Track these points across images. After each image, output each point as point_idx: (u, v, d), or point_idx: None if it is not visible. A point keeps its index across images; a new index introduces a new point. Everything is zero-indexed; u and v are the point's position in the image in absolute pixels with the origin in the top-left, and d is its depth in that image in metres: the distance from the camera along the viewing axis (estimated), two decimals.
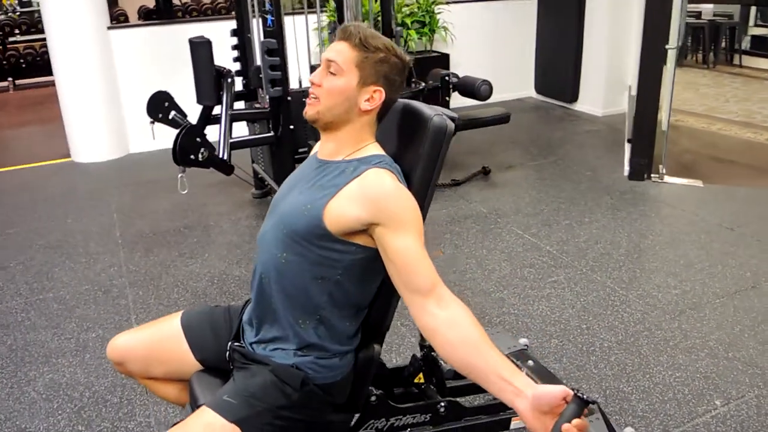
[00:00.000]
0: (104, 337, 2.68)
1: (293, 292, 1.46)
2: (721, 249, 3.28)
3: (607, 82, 5.90)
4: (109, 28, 5.01)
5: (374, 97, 1.46)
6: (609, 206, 3.88)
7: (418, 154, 1.52)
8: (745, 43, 8.79)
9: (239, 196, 4.26)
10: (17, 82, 8.32)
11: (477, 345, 1.30)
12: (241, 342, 1.60)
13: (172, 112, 3.85)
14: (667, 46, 4.04)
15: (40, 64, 8.09)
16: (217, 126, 3.47)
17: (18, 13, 9.98)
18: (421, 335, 1.92)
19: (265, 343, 1.53)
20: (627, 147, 4.78)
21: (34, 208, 4.18)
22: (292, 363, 1.48)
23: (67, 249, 3.55)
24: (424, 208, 1.52)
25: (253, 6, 3.77)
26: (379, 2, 4.01)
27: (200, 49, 3.45)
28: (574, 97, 6.20)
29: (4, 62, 8.20)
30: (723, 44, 8.71)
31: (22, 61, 8.24)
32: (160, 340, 1.69)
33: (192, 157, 3.22)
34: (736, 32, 8.66)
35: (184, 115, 3.87)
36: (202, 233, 3.72)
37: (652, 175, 4.27)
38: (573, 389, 1.18)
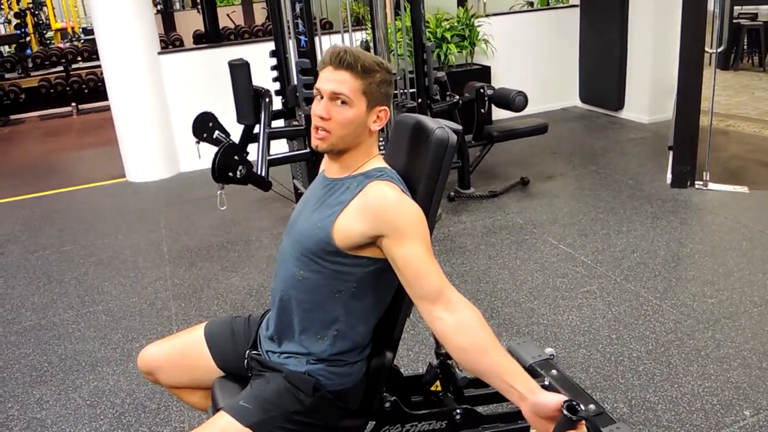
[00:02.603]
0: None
1: (312, 307, 1.53)
2: (762, 257, 3.18)
3: (653, 88, 5.78)
4: (159, 53, 5.27)
5: (380, 116, 1.51)
6: (649, 215, 3.81)
7: (424, 166, 1.58)
8: None
9: (281, 212, 4.39)
10: (80, 106, 8.79)
11: (484, 349, 1.35)
12: (259, 350, 1.68)
13: (216, 132, 4.01)
14: (707, 50, 3.96)
15: (101, 89, 8.47)
16: (257, 144, 3.61)
17: (82, 41, 10.55)
18: (436, 343, 1.96)
19: (282, 353, 1.60)
20: (670, 154, 4.69)
21: (89, 226, 4.42)
22: (304, 370, 1.55)
23: (117, 264, 3.74)
24: (429, 219, 1.57)
25: (289, 28, 3.90)
26: (410, 18, 4.08)
27: (239, 70, 3.61)
28: (619, 104, 6.11)
29: (68, 88, 8.67)
30: None
31: (84, 86, 8.70)
32: (186, 350, 1.79)
33: (230, 174, 3.36)
34: None
35: (228, 135, 4.03)
36: (244, 248, 3.86)
37: (696, 182, 4.17)
38: (566, 401, 1.21)
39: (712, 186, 4.14)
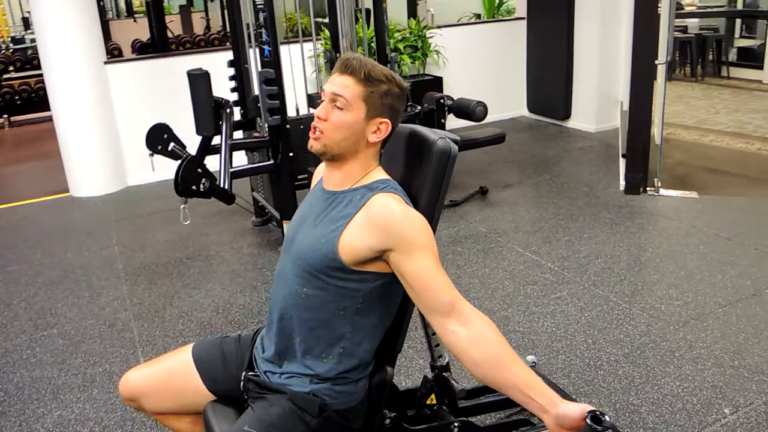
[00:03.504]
0: (111, 371, 2.68)
1: (316, 326, 1.48)
2: (719, 259, 3.31)
3: (599, 98, 5.97)
4: (106, 62, 5.07)
5: (381, 128, 1.48)
6: (607, 221, 3.91)
7: (424, 176, 1.56)
8: (732, 55, 8.94)
9: (240, 225, 4.28)
10: (12, 118, 8.35)
11: (501, 362, 1.33)
12: (256, 371, 1.61)
13: (171, 144, 3.88)
14: (656, 62, 4.11)
15: (35, 100, 8.14)
16: (216, 156, 3.50)
17: (11, 51, 10.07)
18: (432, 356, 1.94)
19: (282, 374, 1.54)
20: (621, 162, 4.84)
21: (34, 244, 4.18)
22: (308, 390, 1.50)
23: (69, 284, 3.55)
24: (432, 230, 1.54)
25: (250, 37, 3.82)
26: (372, 29, 4.08)
27: (199, 80, 3.49)
28: (566, 114, 6.27)
29: (0, 99, 8.24)
30: (710, 57, 8.85)
31: (17, 97, 8.28)
32: (173, 374, 1.70)
33: (194, 187, 3.25)
34: (723, 45, 8.81)
35: (183, 147, 3.90)
36: (204, 263, 3.73)
37: (648, 189, 4.31)
38: (590, 412, 1.21)
39: (663, 192, 4.29)
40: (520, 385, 1.31)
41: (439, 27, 6.04)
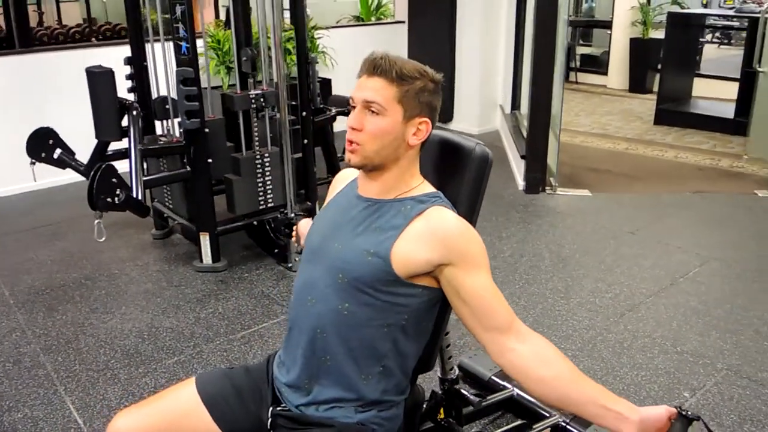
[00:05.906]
0: (34, 416, 2.30)
1: (357, 345, 1.36)
2: (631, 252, 3.57)
3: (480, 101, 6.20)
4: None
5: (421, 128, 1.41)
6: (519, 220, 4.07)
7: (461, 185, 1.51)
8: (576, 62, 9.73)
9: (137, 239, 3.90)
10: None
11: (571, 378, 1.30)
12: (285, 405, 1.45)
13: (58, 151, 3.48)
14: (555, 67, 4.36)
15: None
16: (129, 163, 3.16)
17: None
18: (443, 370, 1.88)
19: (319, 404, 1.40)
20: (514, 162, 5.06)
21: None
22: (356, 421, 1.38)
23: None
24: None
25: (156, 31, 3.47)
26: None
27: (101, 79, 3.14)
28: (448, 116, 6.44)
29: None
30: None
31: None
32: (176, 416, 1.48)
33: (108, 199, 2.89)
34: (570, 52, 9.56)
35: (72, 153, 3.51)
36: (109, 284, 3.34)
37: (546, 188, 4.55)
38: (676, 407, 1.22)
39: (560, 191, 4.55)
40: (593, 398, 1.29)
41: (327, 28, 5.94)
